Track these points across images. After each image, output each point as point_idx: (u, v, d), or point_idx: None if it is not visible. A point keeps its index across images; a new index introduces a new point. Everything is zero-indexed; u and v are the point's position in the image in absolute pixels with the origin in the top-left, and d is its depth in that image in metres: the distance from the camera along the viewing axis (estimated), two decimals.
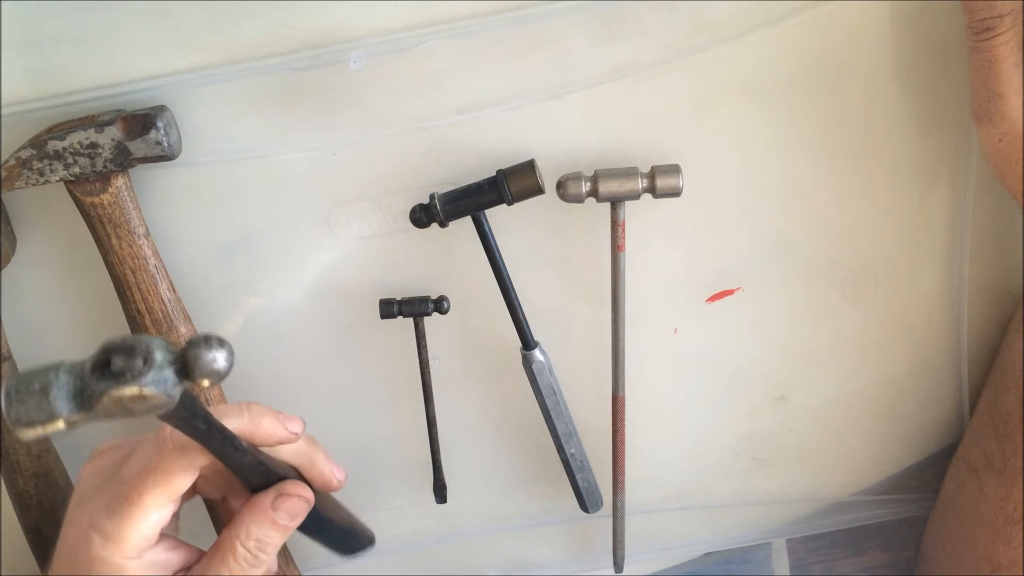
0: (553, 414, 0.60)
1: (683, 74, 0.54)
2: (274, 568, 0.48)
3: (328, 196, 0.56)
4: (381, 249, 0.58)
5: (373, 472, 0.67)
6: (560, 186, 0.54)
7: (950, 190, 0.62)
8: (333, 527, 0.51)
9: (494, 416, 0.65)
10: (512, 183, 0.53)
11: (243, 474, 0.45)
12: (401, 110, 0.54)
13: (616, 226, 0.55)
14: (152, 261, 0.54)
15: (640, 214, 0.56)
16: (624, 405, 0.61)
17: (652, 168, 0.54)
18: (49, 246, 0.57)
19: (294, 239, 0.58)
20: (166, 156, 0.51)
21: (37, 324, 0.59)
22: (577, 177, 0.54)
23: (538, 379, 0.59)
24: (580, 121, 0.55)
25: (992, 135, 0.52)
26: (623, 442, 0.62)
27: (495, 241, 0.56)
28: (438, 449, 0.63)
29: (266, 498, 0.46)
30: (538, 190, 0.53)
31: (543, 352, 0.59)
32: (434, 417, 0.62)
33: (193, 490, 0.47)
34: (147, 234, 0.54)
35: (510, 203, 0.53)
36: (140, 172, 0.54)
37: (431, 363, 0.60)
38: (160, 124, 0.51)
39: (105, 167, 0.51)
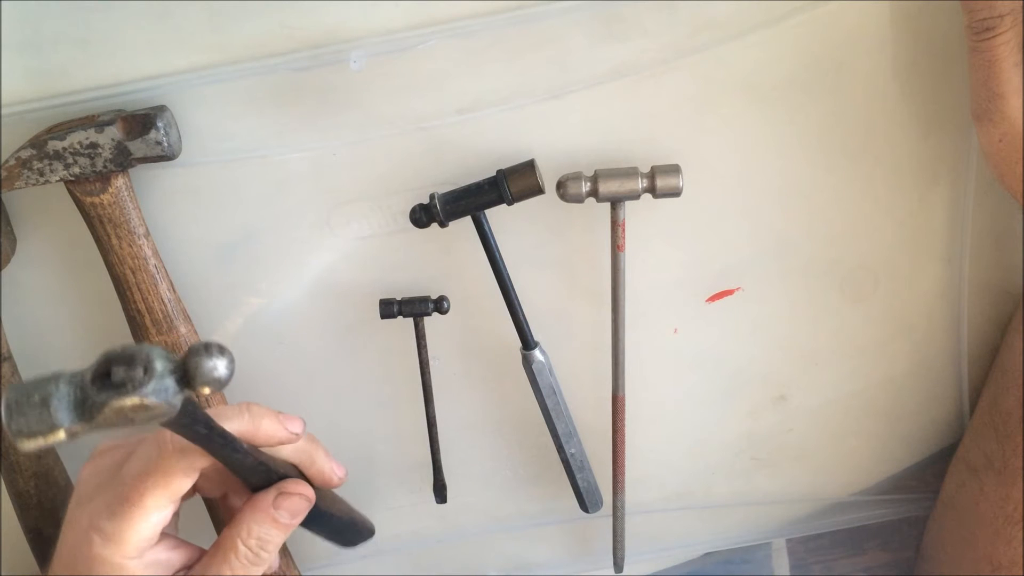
0: (553, 414, 0.60)
1: (683, 74, 0.54)
2: (276, 566, 0.48)
3: (328, 196, 0.56)
4: (381, 249, 0.58)
5: (373, 472, 0.67)
6: (560, 186, 0.54)
7: (950, 190, 0.62)
8: (334, 521, 0.51)
9: (494, 416, 0.66)
10: (512, 183, 0.53)
11: (244, 475, 0.45)
12: (401, 110, 0.54)
13: (616, 226, 0.55)
14: (152, 261, 0.54)
15: (640, 214, 0.56)
16: (624, 405, 0.61)
17: (652, 168, 0.54)
18: (49, 246, 0.57)
19: (294, 239, 0.58)
20: (166, 156, 0.51)
21: (37, 324, 0.59)
22: (577, 177, 0.54)
23: (538, 379, 0.59)
24: (580, 121, 0.55)
25: (992, 135, 0.52)
26: (623, 442, 0.62)
27: (495, 241, 0.56)
28: (438, 449, 0.63)
29: (267, 497, 0.46)
30: (538, 190, 0.53)
31: (543, 352, 0.59)
32: (434, 417, 0.62)
33: (193, 489, 0.47)
34: (147, 234, 0.54)
35: (510, 203, 0.53)
36: (140, 172, 0.54)
37: (431, 363, 0.60)
38: (160, 124, 0.51)
39: (105, 167, 0.51)
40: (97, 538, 0.42)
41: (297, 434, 0.46)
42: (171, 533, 0.47)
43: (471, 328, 0.62)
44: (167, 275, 0.55)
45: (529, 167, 0.53)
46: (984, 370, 0.68)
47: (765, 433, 0.69)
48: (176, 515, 0.46)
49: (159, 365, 0.34)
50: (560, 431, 0.61)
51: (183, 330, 0.56)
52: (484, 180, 0.54)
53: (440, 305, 0.58)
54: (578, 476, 0.63)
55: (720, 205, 0.59)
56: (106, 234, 0.53)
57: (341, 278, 0.59)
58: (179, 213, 0.56)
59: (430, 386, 0.61)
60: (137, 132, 0.51)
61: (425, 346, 0.60)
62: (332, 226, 0.57)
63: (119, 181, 0.52)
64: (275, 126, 0.54)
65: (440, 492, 0.65)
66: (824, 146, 0.58)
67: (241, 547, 0.45)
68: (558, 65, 0.53)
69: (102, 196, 0.52)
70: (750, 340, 0.64)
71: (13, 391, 0.34)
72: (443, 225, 0.54)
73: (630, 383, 0.60)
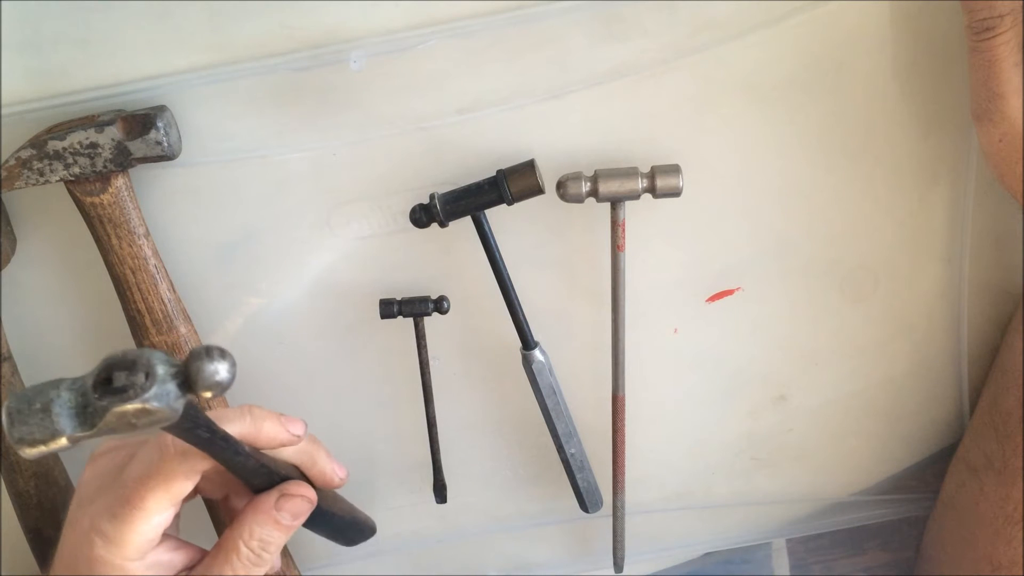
0: (553, 414, 0.60)
1: (683, 74, 0.54)
2: (277, 566, 0.48)
3: (328, 196, 0.56)
4: (381, 249, 0.58)
5: (373, 472, 0.67)
6: (560, 186, 0.54)
7: (950, 190, 0.62)
8: (335, 521, 0.51)
9: (494, 416, 0.65)
10: (512, 183, 0.53)
11: (246, 477, 0.45)
12: (401, 110, 0.54)
13: (616, 226, 0.55)
14: (152, 261, 0.54)
15: (640, 214, 0.56)
16: (624, 405, 0.61)
17: (652, 168, 0.54)
18: (49, 246, 0.57)
19: (294, 239, 0.58)
20: (166, 156, 0.51)
21: (37, 324, 0.59)
22: (577, 177, 0.54)
23: (538, 379, 0.59)
24: (580, 121, 0.55)
25: (992, 135, 0.52)
26: (623, 442, 0.62)
27: (495, 241, 0.56)
28: (438, 449, 0.63)
29: (269, 498, 0.46)
30: (538, 190, 0.53)
31: (543, 352, 0.59)
32: (434, 417, 0.62)
33: (195, 491, 0.47)
34: (147, 234, 0.54)
35: (510, 203, 0.53)
36: (140, 172, 0.54)
37: (431, 363, 0.60)
38: (160, 124, 0.51)
39: (105, 167, 0.51)
40: (99, 540, 0.42)
41: (299, 436, 0.46)
42: (172, 534, 0.47)
43: (471, 328, 0.62)
44: (167, 275, 0.55)
45: (529, 167, 0.53)
46: (984, 370, 0.68)
47: (765, 433, 0.69)
48: (177, 516, 0.46)
49: (161, 370, 0.34)
50: (560, 431, 0.61)
51: (183, 330, 0.56)
52: (484, 180, 0.54)
53: (440, 305, 0.58)
54: (578, 476, 0.63)
55: (720, 205, 0.59)
56: (106, 234, 0.53)
57: (341, 278, 0.59)
58: (179, 213, 0.56)
59: (430, 386, 0.61)
60: (137, 132, 0.51)
61: (425, 346, 0.60)
62: (332, 226, 0.57)
63: (119, 181, 0.52)
64: (275, 126, 0.54)
65: (440, 492, 0.65)
66: (824, 146, 0.58)
67: (243, 548, 0.45)
68: (558, 65, 0.53)
69: (102, 196, 0.52)
70: (750, 340, 0.64)
71: (14, 399, 0.34)
72: (443, 225, 0.54)
73: (630, 383, 0.60)
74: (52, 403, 0.34)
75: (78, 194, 0.52)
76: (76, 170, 0.51)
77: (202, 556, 0.47)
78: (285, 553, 0.64)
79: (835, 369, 0.67)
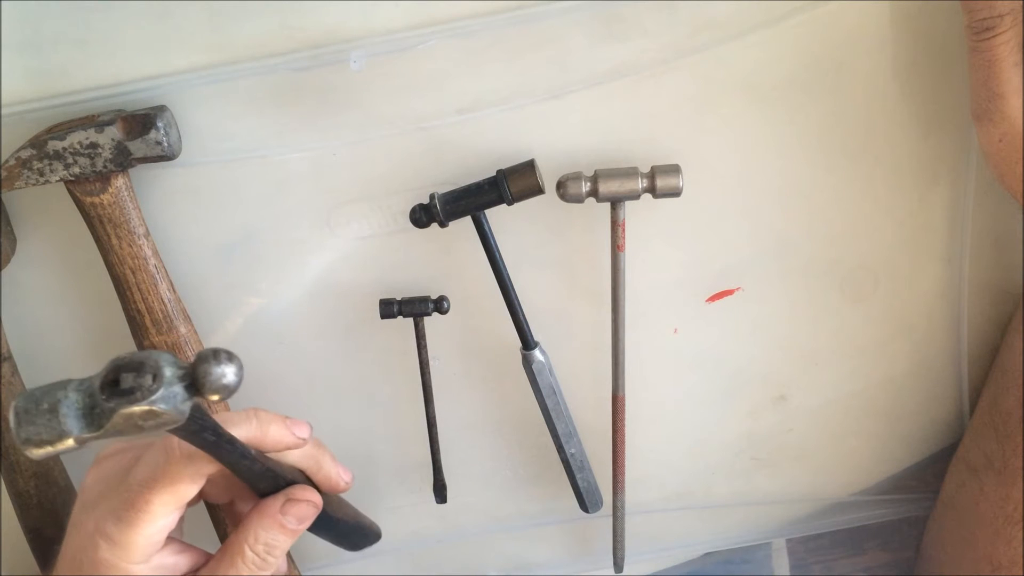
0: (553, 414, 0.60)
1: (683, 74, 0.54)
2: (283, 569, 0.48)
3: (328, 196, 0.56)
4: (381, 249, 0.58)
5: (373, 472, 0.67)
6: (560, 186, 0.54)
7: (950, 190, 0.62)
8: (340, 525, 0.51)
9: (494, 416, 0.65)
10: (512, 183, 0.53)
11: (252, 481, 0.45)
12: (401, 110, 0.54)
13: (616, 226, 0.55)
14: (152, 261, 0.54)
15: (640, 214, 0.56)
16: (624, 405, 0.61)
17: (652, 168, 0.54)
18: (49, 246, 0.57)
19: (294, 239, 0.58)
20: (166, 156, 0.51)
21: (37, 324, 0.59)
22: (577, 177, 0.54)
23: (538, 379, 0.59)
24: (580, 121, 0.55)
25: (992, 135, 0.52)
26: (623, 442, 0.62)
27: (495, 241, 0.56)
28: (438, 449, 0.63)
29: (275, 503, 0.46)
30: (538, 190, 0.53)
31: (543, 352, 0.59)
32: (434, 417, 0.62)
33: (200, 495, 0.47)
34: (147, 234, 0.54)
35: (510, 203, 0.53)
36: (140, 172, 0.54)
37: (431, 363, 0.60)
38: (160, 124, 0.51)
39: (105, 167, 0.51)
40: (103, 543, 0.42)
41: (304, 439, 0.46)
42: (176, 537, 0.47)
43: (471, 328, 0.62)
44: (167, 275, 0.55)
45: (529, 167, 0.53)
46: (984, 370, 0.68)
47: (765, 433, 0.69)
48: (182, 519, 0.46)
49: (168, 372, 0.34)
50: (560, 431, 0.61)
51: (183, 330, 0.56)
52: (484, 180, 0.54)
53: (440, 305, 0.58)
54: (578, 476, 0.63)
55: (720, 205, 0.59)
56: (106, 234, 0.53)
57: (341, 278, 0.59)
58: (179, 213, 0.56)
59: (430, 386, 0.61)
60: (137, 132, 0.51)
61: (425, 346, 0.60)
62: (332, 226, 0.57)
63: (119, 181, 0.52)
64: (275, 126, 0.54)
65: (440, 492, 0.65)
66: (824, 146, 0.58)
67: (248, 552, 0.45)
68: (558, 65, 0.53)
69: (102, 196, 0.52)
70: (750, 340, 0.64)
71: (22, 399, 0.34)
72: (443, 225, 0.54)
73: (630, 383, 0.60)
74: (59, 404, 0.34)
75: (78, 194, 0.52)
76: (76, 170, 0.51)
77: (206, 559, 0.47)
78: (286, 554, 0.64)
79: (835, 369, 0.67)
